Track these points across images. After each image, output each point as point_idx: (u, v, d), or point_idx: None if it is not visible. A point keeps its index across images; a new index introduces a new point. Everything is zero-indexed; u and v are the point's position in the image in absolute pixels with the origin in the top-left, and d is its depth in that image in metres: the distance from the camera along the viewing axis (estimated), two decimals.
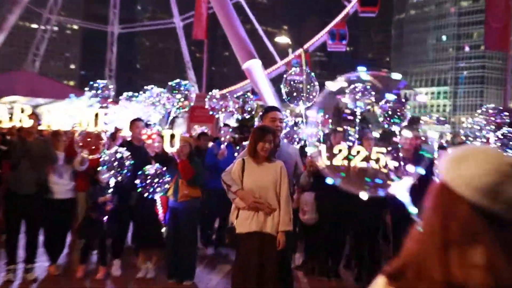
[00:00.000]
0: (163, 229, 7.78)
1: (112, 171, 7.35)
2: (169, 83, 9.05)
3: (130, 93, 10.38)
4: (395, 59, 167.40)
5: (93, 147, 7.47)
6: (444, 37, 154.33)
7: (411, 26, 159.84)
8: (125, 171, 7.42)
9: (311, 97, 6.60)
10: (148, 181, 7.38)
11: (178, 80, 9.00)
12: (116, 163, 7.37)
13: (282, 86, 6.79)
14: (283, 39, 37.17)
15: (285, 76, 6.84)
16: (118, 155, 7.41)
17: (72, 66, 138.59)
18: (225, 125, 10.45)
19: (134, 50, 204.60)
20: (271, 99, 41.10)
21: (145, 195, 7.44)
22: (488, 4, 25.88)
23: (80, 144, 7.43)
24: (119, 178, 7.43)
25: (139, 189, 7.43)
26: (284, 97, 6.73)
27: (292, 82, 6.57)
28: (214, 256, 9.54)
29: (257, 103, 16.88)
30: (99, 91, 10.06)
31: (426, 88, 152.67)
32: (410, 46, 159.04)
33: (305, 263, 8.81)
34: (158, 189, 7.43)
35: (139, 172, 7.43)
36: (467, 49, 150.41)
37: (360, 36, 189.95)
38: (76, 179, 8.09)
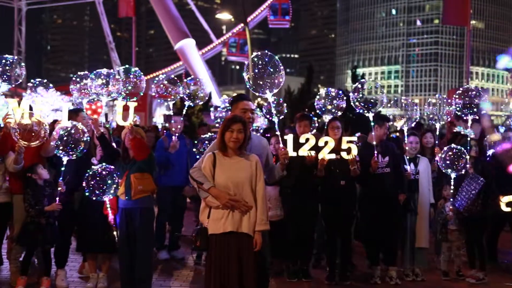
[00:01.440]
0: (115, 233, 7.83)
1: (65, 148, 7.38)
2: (122, 68, 9.09)
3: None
4: (341, 35, 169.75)
5: (32, 134, 7.38)
6: (393, 11, 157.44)
7: None
8: (81, 148, 7.46)
9: (276, 82, 6.78)
10: (96, 184, 7.43)
11: (126, 66, 9.01)
12: (69, 138, 7.40)
13: (244, 73, 6.95)
14: (225, 16, 37.09)
15: (246, 62, 7.00)
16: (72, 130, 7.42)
17: None
18: (176, 114, 10.51)
19: (43, 29, 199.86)
20: (207, 83, 41.18)
21: (94, 198, 7.49)
22: None
23: (17, 133, 7.32)
24: (73, 156, 7.45)
25: (87, 193, 7.46)
26: (248, 85, 6.90)
27: (255, 69, 6.72)
28: (169, 261, 9.65)
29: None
30: (7, 68, 9.17)
31: (376, 68, 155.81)
32: (357, 21, 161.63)
33: (271, 264, 9.05)
34: (111, 191, 7.49)
35: (89, 173, 7.46)
36: (419, 23, 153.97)
37: (302, 11, 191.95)
38: (10, 180, 8.02)
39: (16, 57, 9.44)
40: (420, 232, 9.01)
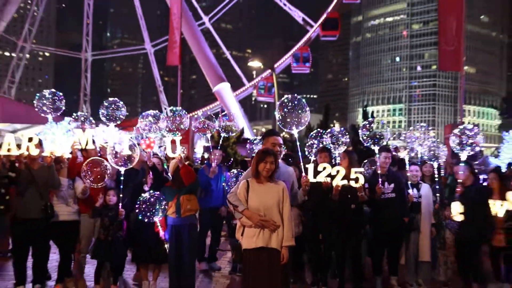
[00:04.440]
0: (166, 246, 7.89)
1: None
2: (169, 108, 9.25)
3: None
4: (353, 79, 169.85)
5: (98, 176, 7.55)
6: (397, 58, 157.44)
7: (367, 49, 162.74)
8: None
9: (303, 121, 6.81)
10: (147, 208, 7.53)
11: (177, 108, 9.08)
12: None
13: (276, 112, 7.00)
14: (255, 63, 37.51)
15: (278, 103, 7.04)
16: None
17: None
18: (214, 147, 10.57)
19: (105, 75, 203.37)
20: (241, 120, 41.40)
21: (145, 219, 7.57)
22: (441, 28, 26.55)
23: (85, 172, 7.50)
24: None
25: (140, 217, 7.56)
26: (278, 123, 6.94)
27: (285, 109, 6.76)
28: (208, 271, 9.63)
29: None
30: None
31: (383, 106, 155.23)
32: (366, 67, 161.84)
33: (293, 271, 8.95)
34: (160, 213, 7.59)
35: (140, 199, 7.58)
36: (419, 68, 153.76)
37: (320, 59, 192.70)
38: (79, 203, 8.15)
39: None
40: (423, 248, 8.91)
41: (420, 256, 8.88)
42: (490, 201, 8.06)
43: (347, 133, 9.61)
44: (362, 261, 8.97)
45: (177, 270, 7.73)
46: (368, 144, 8.57)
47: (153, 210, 7.54)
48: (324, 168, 7.10)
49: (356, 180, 7.53)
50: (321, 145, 9.08)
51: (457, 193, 8.28)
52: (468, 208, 8.01)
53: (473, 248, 8.18)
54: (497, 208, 7.99)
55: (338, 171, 7.36)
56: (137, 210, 7.58)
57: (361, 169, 8.06)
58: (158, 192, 7.70)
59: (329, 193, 8.09)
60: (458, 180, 8.43)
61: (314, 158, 8.54)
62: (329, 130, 10.06)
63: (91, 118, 10.16)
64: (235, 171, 9.35)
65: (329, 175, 7.17)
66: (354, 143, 14.88)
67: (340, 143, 9.09)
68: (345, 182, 7.40)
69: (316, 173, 6.98)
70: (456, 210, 8.03)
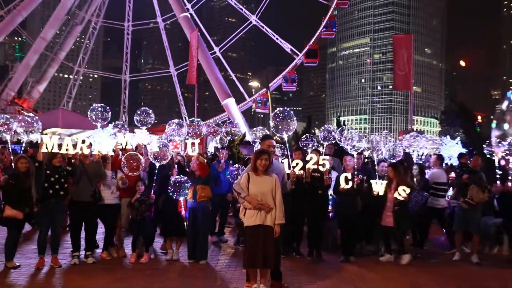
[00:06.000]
0: (185, 223, 7.89)
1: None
2: (190, 119, 9.29)
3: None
4: (329, 95, 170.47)
5: (134, 167, 7.59)
6: (363, 80, 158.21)
7: (339, 72, 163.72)
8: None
9: (291, 128, 6.82)
10: (177, 187, 7.56)
11: (193, 118, 9.13)
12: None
13: (270, 120, 7.03)
14: (254, 83, 37.53)
15: (272, 114, 7.08)
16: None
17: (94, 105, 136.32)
18: (222, 148, 10.59)
19: (139, 92, 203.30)
20: (243, 127, 41.29)
21: (174, 196, 7.59)
22: (395, 57, 26.63)
23: (124, 164, 7.56)
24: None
25: (170, 194, 7.57)
26: (272, 129, 6.95)
27: (277, 118, 6.77)
28: (218, 243, 9.59)
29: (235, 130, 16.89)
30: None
31: (351, 116, 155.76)
32: (339, 86, 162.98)
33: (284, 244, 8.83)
34: (186, 191, 7.62)
35: (172, 180, 7.62)
36: (379, 88, 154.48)
37: (303, 79, 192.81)
38: (119, 190, 8.15)
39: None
40: None
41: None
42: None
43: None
44: (334, 234, 8.92)
45: (193, 241, 7.75)
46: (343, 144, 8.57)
47: (181, 190, 7.61)
48: (297, 164, 7.16)
49: (323, 165, 7.55)
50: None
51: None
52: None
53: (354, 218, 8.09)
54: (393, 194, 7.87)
55: (311, 158, 7.39)
56: (169, 189, 7.64)
57: (327, 157, 8.05)
58: (185, 177, 7.74)
59: (303, 182, 7.99)
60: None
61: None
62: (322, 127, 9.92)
63: (125, 126, 10.20)
64: (237, 165, 9.34)
65: (302, 168, 7.21)
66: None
67: (331, 138, 9.09)
68: (315, 166, 7.43)
69: (292, 167, 6.99)
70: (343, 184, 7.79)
